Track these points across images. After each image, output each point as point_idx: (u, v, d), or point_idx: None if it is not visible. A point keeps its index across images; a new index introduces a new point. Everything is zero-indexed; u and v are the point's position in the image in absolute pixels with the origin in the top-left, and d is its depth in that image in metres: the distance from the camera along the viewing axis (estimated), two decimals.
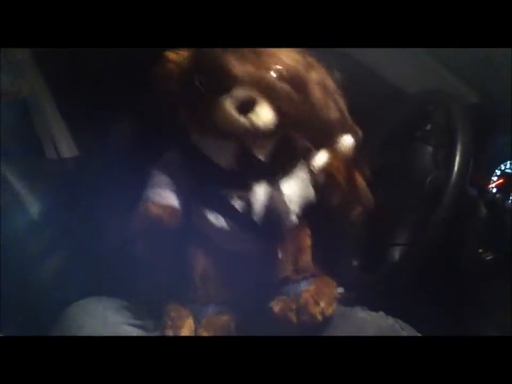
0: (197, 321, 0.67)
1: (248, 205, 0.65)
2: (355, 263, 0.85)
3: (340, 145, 0.68)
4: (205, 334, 0.66)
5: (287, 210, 0.66)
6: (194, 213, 0.68)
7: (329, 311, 0.66)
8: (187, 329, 0.66)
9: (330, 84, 0.66)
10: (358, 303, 0.72)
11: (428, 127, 0.86)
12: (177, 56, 0.64)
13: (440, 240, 0.74)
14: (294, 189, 0.67)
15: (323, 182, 0.68)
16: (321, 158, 0.68)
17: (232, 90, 0.60)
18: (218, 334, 0.66)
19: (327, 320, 0.66)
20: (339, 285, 0.75)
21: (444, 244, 0.75)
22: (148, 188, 0.67)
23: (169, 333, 0.66)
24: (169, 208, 0.66)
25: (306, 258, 0.70)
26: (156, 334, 0.67)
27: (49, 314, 0.69)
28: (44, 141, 0.78)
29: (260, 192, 0.65)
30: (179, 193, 0.67)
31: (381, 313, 0.69)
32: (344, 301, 0.73)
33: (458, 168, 0.74)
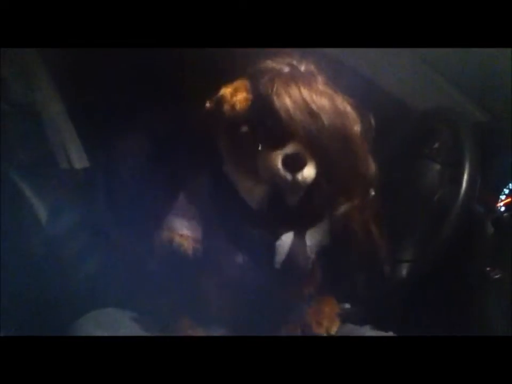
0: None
1: (272, 250, 0.64)
2: (362, 278, 0.85)
3: (360, 196, 0.67)
4: None
5: (307, 261, 0.66)
6: (216, 246, 0.67)
7: (333, 329, 0.67)
8: None
9: (370, 136, 0.65)
10: (365, 320, 0.72)
11: (436, 145, 0.86)
12: (232, 99, 0.62)
13: (447, 257, 0.75)
14: (317, 239, 0.67)
15: (341, 230, 0.68)
16: (343, 208, 0.67)
17: (285, 146, 0.59)
18: None
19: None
20: (346, 300, 0.76)
21: (451, 262, 0.75)
22: (173, 216, 0.66)
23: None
24: (193, 240, 0.65)
25: (313, 287, 0.71)
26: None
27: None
28: (56, 152, 0.79)
29: (285, 241, 0.64)
30: (204, 224, 0.66)
31: (390, 333, 0.69)
32: (353, 318, 0.73)
33: (466, 186, 0.75)
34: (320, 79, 0.64)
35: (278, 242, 0.64)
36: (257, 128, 0.61)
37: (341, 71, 0.71)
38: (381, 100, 0.98)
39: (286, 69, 0.63)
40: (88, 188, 0.80)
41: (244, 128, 0.61)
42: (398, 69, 0.96)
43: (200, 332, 0.66)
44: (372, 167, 0.65)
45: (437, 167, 0.84)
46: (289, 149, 0.59)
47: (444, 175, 0.83)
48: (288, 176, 0.59)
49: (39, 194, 0.79)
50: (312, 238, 0.66)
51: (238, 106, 0.62)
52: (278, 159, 0.59)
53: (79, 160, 0.80)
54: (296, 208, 0.64)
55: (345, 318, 0.72)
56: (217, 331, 0.68)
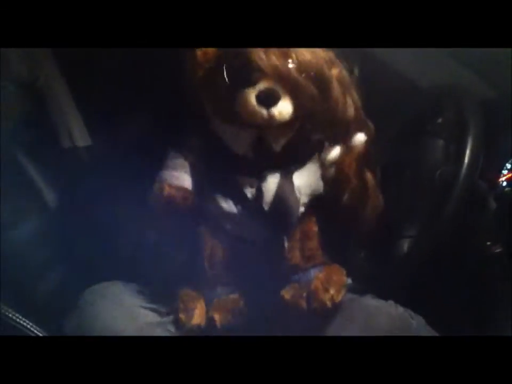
0: (208, 303, 0.68)
1: (259, 192, 0.66)
2: (363, 254, 0.86)
3: (353, 142, 0.69)
4: (216, 315, 0.67)
5: (296, 201, 0.67)
6: (207, 196, 0.69)
7: (338, 298, 0.67)
8: (199, 311, 0.67)
9: (349, 81, 0.67)
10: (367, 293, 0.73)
11: (439, 121, 0.86)
12: (208, 49, 0.65)
13: (449, 233, 0.74)
14: (305, 180, 0.68)
15: (333, 176, 0.69)
16: (333, 153, 0.69)
17: (257, 83, 0.61)
18: (229, 314, 0.68)
19: (337, 307, 0.67)
20: (347, 275, 0.76)
21: (453, 237, 0.75)
22: (163, 169, 0.69)
23: (182, 316, 0.67)
24: (183, 190, 0.68)
25: (313, 244, 0.71)
26: (170, 317, 0.69)
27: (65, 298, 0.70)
28: (59, 130, 0.79)
29: (272, 182, 0.66)
30: (193, 176, 0.69)
31: (391, 301, 0.70)
32: (354, 290, 0.73)
33: (468, 162, 0.74)
34: None
35: (264, 184, 0.66)
36: (229, 69, 0.63)
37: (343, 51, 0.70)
38: (386, 76, 0.98)
39: None
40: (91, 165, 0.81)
41: (218, 73, 0.63)
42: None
43: (201, 300, 0.68)
44: (350, 110, 0.66)
45: (440, 142, 0.83)
46: (261, 85, 0.61)
47: (447, 151, 0.82)
48: (264, 112, 0.61)
49: (43, 173, 0.81)
50: (300, 180, 0.67)
51: (210, 52, 0.64)
52: (252, 96, 0.61)
53: (81, 138, 0.81)
54: (281, 152, 0.66)
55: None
56: (220, 293, 0.69)
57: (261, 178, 0.66)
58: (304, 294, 0.67)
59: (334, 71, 0.66)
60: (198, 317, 0.67)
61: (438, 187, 0.79)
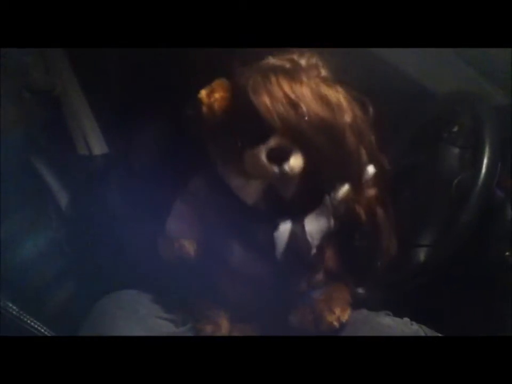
0: (231, 322, 0.69)
1: (271, 242, 0.65)
2: (379, 263, 0.85)
3: (363, 177, 0.67)
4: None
5: (308, 247, 0.67)
6: (217, 245, 0.69)
7: (345, 317, 0.67)
8: (225, 325, 0.68)
9: (364, 125, 0.64)
10: (382, 306, 0.72)
11: (455, 129, 0.85)
12: (210, 100, 0.63)
13: (466, 242, 0.74)
14: (316, 224, 0.67)
15: (344, 214, 0.68)
16: (343, 190, 0.67)
17: (267, 140, 0.59)
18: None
19: (349, 326, 0.67)
20: (361, 285, 0.76)
21: (470, 246, 0.74)
22: (171, 220, 0.70)
23: (210, 329, 0.68)
24: (194, 243, 0.69)
25: (320, 277, 0.71)
26: (185, 327, 0.69)
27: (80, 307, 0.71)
28: (75, 138, 0.80)
29: (284, 230, 0.65)
30: (202, 226, 0.69)
31: (406, 319, 0.69)
32: (369, 304, 0.73)
33: (485, 170, 0.74)
34: (323, 71, 0.63)
35: (276, 233, 0.65)
36: (237, 126, 0.61)
37: (356, 55, 0.69)
38: (400, 83, 0.97)
39: (287, 65, 0.62)
40: (107, 173, 0.81)
41: (225, 128, 0.62)
42: (417, 52, 0.95)
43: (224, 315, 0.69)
44: (364, 155, 0.64)
45: (456, 151, 0.83)
46: (272, 142, 0.59)
47: (463, 159, 0.82)
48: (275, 169, 0.59)
49: (60, 180, 0.81)
50: (311, 224, 0.66)
51: (216, 107, 0.62)
52: (262, 154, 0.59)
53: (98, 146, 0.81)
54: (292, 199, 0.65)
55: (360, 303, 0.72)
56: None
57: (273, 226, 0.65)
58: (311, 318, 0.67)
59: (347, 118, 0.62)
60: (225, 330, 0.68)
61: (455, 195, 0.78)
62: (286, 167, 0.59)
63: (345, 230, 0.69)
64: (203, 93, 0.63)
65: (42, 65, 0.79)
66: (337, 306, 0.67)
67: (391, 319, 0.69)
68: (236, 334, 0.69)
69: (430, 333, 0.67)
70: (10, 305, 0.68)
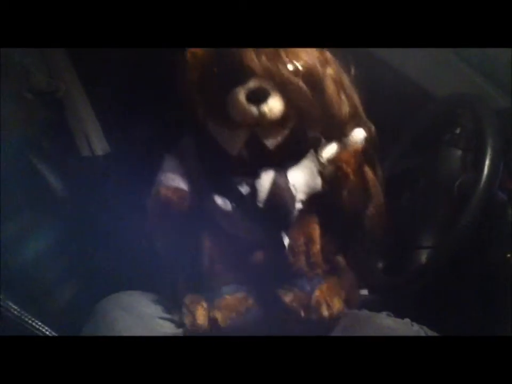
0: (209, 303, 0.68)
1: (253, 190, 0.66)
2: (380, 265, 0.85)
3: (351, 138, 0.68)
4: (219, 314, 0.66)
5: (291, 197, 0.67)
6: (204, 197, 0.69)
7: (338, 312, 0.67)
8: (200, 311, 0.67)
9: (345, 79, 0.68)
10: (383, 306, 0.72)
11: (457, 131, 0.85)
12: (198, 52, 0.66)
13: (467, 244, 0.74)
14: (300, 177, 0.67)
15: (332, 174, 0.68)
16: (331, 150, 0.69)
17: (247, 82, 0.62)
18: (236, 312, 0.67)
19: (350, 326, 0.66)
20: (364, 286, 0.76)
21: (471, 248, 0.74)
22: (159, 172, 0.70)
23: (188, 321, 0.67)
24: (179, 191, 0.68)
25: (316, 248, 0.69)
26: (182, 327, 0.69)
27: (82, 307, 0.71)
28: (78, 139, 0.80)
29: (266, 179, 0.66)
30: (189, 177, 0.69)
31: (407, 320, 0.68)
32: (370, 304, 0.73)
33: (487, 172, 0.74)
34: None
35: (258, 181, 0.66)
36: (219, 70, 0.64)
37: (357, 57, 0.70)
38: (402, 86, 0.97)
39: None
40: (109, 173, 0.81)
41: (208, 75, 0.65)
42: (419, 54, 0.95)
43: (202, 302, 0.68)
44: (345, 108, 0.67)
45: (459, 153, 0.83)
46: (251, 84, 0.62)
47: (465, 161, 0.82)
48: (254, 109, 0.62)
49: (61, 181, 0.81)
50: (295, 177, 0.67)
51: (199, 53, 0.66)
52: (241, 95, 0.62)
53: (100, 147, 0.81)
54: (275, 150, 0.66)
55: (361, 304, 0.72)
56: (222, 293, 0.68)
57: (255, 176, 0.66)
58: (305, 304, 0.66)
59: (329, 70, 0.66)
60: (200, 317, 0.67)
61: (456, 197, 0.78)
62: (265, 108, 0.62)
63: (333, 194, 0.69)
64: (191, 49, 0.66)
65: (45, 67, 0.79)
66: (334, 301, 0.67)
67: (392, 320, 0.69)
68: (222, 312, 0.67)
69: (431, 333, 0.67)
70: (11, 305, 0.68)
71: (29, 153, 0.81)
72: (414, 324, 0.68)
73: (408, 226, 0.83)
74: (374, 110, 0.70)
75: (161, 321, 0.69)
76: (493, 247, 0.78)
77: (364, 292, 0.82)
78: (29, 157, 0.81)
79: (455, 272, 0.77)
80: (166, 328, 0.68)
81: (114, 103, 0.83)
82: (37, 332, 0.69)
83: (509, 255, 0.74)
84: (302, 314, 0.66)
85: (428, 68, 0.98)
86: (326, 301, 0.66)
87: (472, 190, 0.74)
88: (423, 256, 0.78)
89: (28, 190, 0.79)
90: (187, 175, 0.70)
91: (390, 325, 0.67)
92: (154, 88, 0.78)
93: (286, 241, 0.68)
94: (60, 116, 0.81)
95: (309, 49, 0.64)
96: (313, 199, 0.69)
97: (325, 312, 0.65)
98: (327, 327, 0.68)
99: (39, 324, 0.70)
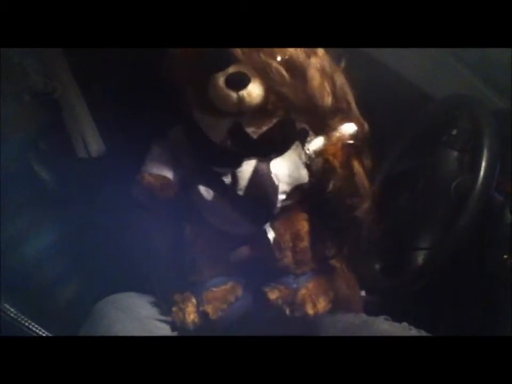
0: (198, 298, 0.68)
1: (234, 178, 0.66)
2: (378, 266, 0.85)
3: (339, 132, 0.68)
4: (209, 307, 0.67)
5: (273, 186, 0.66)
6: (189, 186, 0.69)
7: (322, 311, 0.67)
8: (190, 308, 0.67)
9: (336, 72, 0.67)
10: (381, 308, 0.72)
11: (454, 132, 0.85)
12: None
13: (464, 245, 0.74)
14: (284, 167, 0.67)
15: (318, 166, 0.68)
16: (318, 143, 0.69)
17: (228, 68, 0.63)
18: (225, 303, 0.67)
19: (347, 331, 0.67)
20: (361, 288, 0.76)
21: (468, 249, 0.74)
22: (146, 160, 0.71)
23: (179, 317, 0.67)
24: (162, 178, 0.69)
25: (304, 244, 0.69)
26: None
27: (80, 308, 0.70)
28: (74, 140, 0.80)
29: (247, 168, 0.66)
30: (174, 166, 0.70)
31: (404, 324, 0.68)
32: (368, 306, 0.72)
33: (484, 173, 0.74)
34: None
35: (239, 169, 0.66)
36: (201, 57, 0.64)
37: (355, 59, 0.70)
38: (399, 87, 0.98)
39: None
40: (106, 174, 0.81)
41: (193, 63, 0.65)
42: (417, 55, 0.95)
43: (191, 298, 0.68)
44: (328, 99, 0.66)
45: (455, 154, 0.83)
46: (231, 69, 0.63)
47: (462, 163, 0.82)
48: (234, 95, 0.63)
49: (59, 182, 0.81)
50: (278, 167, 0.67)
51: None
52: (221, 80, 0.63)
53: (97, 149, 0.81)
54: (259, 139, 0.66)
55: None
56: (208, 286, 0.69)
57: (238, 165, 0.66)
58: (289, 300, 0.66)
59: (314, 60, 0.66)
60: (190, 313, 0.67)
61: (453, 199, 0.78)
62: (244, 93, 0.62)
63: (320, 187, 0.69)
64: None
65: (41, 68, 0.79)
66: (320, 300, 0.67)
67: (390, 324, 0.68)
68: (212, 305, 0.67)
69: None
70: (8, 307, 0.68)
71: (26, 154, 0.80)
72: (412, 328, 0.68)
73: (406, 227, 0.83)
74: (372, 111, 0.70)
75: (158, 323, 0.69)
76: (490, 248, 0.78)
77: (362, 293, 0.82)
78: (26, 158, 0.80)
79: (452, 273, 0.77)
80: (163, 330, 0.68)
81: (111, 104, 0.83)
82: (34, 334, 0.69)
83: (506, 256, 0.74)
84: (287, 311, 0.67)
85: (426, 70, 0.99)
86: (312, 299, 0.66)
87: (469, 191, 0.74)
88: (421, 257, 0.78)
89: (25, 190, 0.79)
90: (172, 164, 0.70)
91: (387, 329, 0.67)
92: (152, 89, 0.77)
93: (271, 235, 0.68)
94: (57, 117, 0.80)
95: None
96: (298, 192, 0.69)
97: (310, 311, 0.66)
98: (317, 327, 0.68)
99: (36, 326, 0.69)
